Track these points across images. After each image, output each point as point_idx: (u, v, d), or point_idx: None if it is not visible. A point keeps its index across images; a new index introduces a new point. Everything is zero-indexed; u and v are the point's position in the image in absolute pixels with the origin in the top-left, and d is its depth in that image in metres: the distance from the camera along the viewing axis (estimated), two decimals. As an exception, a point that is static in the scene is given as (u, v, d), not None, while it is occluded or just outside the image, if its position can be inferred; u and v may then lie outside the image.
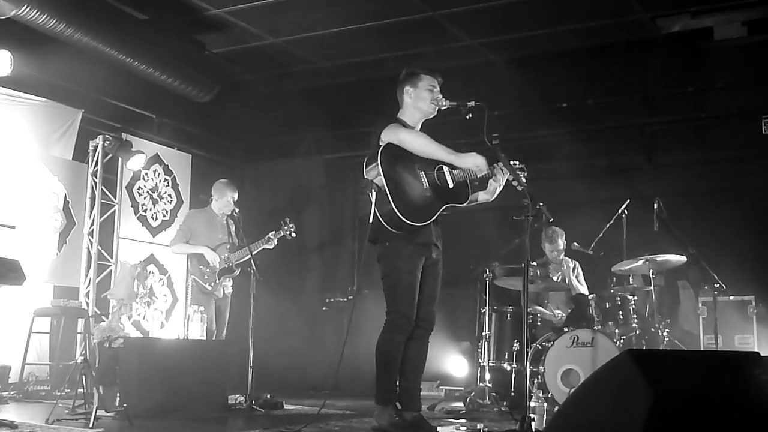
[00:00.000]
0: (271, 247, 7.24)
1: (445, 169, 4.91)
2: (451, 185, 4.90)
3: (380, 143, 4.81)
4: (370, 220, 4.72)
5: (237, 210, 7.00)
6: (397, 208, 4.64)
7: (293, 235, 7.35)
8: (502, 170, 4.84)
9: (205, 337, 6.57)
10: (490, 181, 4.96)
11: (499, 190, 4.98)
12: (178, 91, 9.01)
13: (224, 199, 7.28)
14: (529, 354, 6.48)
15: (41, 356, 7.87)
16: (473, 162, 4.76)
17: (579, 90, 9.16)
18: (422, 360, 5.00)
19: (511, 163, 4.94)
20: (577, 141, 9.12)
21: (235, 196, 7.30)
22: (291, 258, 9.39)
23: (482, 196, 5.06)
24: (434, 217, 4.82)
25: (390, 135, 4.81)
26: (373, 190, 4.69)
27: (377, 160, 4.73)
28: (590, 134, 9.17)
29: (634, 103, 9.14)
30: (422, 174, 4.85)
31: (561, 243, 7.65)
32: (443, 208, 4.84)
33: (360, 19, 8.51)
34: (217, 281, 7.12)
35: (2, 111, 7.79)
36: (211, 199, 7.39)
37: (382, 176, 4.69)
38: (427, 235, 4.86)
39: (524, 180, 4.78)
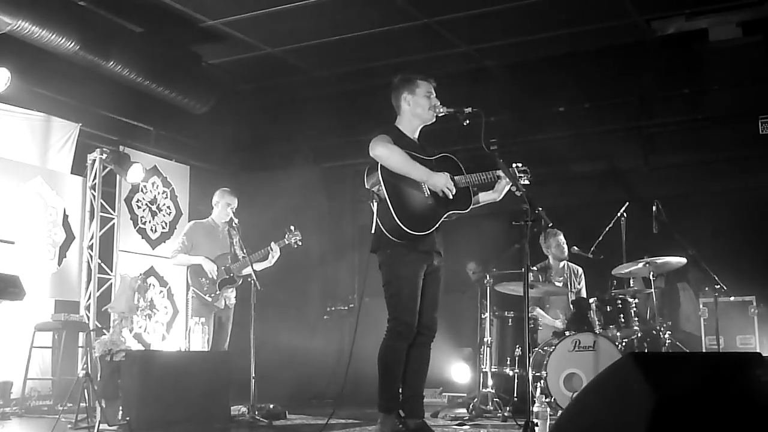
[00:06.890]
0: (274, 260, 7.14)
1: (447, 175, 4.90)
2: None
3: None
4: (372, 230, 4.72)
5: (236, 221, 6.97)
6: (399, 219, 4.62)
7: (299, 243, 7.22)
8: (509, 171, 4.82)
9: (206, 349, 6.57)
10: (499, 180, 4.94)
11: (507, 188, 4.91)
12: (175, 103, 9.01)
13: (222, 204, 7.28)
14: (531, 359, 6.48)
15: (43, 371, 7.85)
16: (443, 184, 4.72)
17: (575, 94, 9.15)
18: (424, 367, 5.00)
19: (514, 166, 4.94)
20: (575, 145, 9.13)
21: (234, 203, 7.29)
22: (291, 267, 9.37)
23: (489, 196, 5.03)
24: (437, 225, 4.81)
25: (372, 148, 4.74)
26: (374, 201, 4.68)
27: (377, 170, 4.72)
28: (587, 138, 9.18)
29: (631, 105, 9.12)
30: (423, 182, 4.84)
31: (561, 239, 7.65)
32: (446, 215, 4.83)
33: (355, 27, 8.52)
34: (218, 292, 7.09)
35: (0, 126, 7.80)
36: (212, 208, 7.40)
37: (383, 187, 4.68)
38: (429, 243, 4.85)
39: (525, 182, 4.80)
